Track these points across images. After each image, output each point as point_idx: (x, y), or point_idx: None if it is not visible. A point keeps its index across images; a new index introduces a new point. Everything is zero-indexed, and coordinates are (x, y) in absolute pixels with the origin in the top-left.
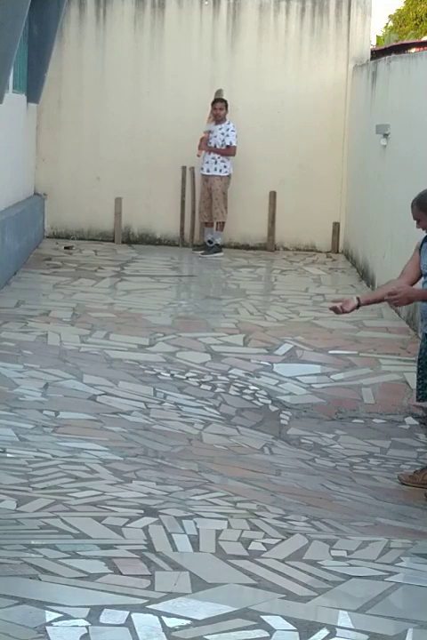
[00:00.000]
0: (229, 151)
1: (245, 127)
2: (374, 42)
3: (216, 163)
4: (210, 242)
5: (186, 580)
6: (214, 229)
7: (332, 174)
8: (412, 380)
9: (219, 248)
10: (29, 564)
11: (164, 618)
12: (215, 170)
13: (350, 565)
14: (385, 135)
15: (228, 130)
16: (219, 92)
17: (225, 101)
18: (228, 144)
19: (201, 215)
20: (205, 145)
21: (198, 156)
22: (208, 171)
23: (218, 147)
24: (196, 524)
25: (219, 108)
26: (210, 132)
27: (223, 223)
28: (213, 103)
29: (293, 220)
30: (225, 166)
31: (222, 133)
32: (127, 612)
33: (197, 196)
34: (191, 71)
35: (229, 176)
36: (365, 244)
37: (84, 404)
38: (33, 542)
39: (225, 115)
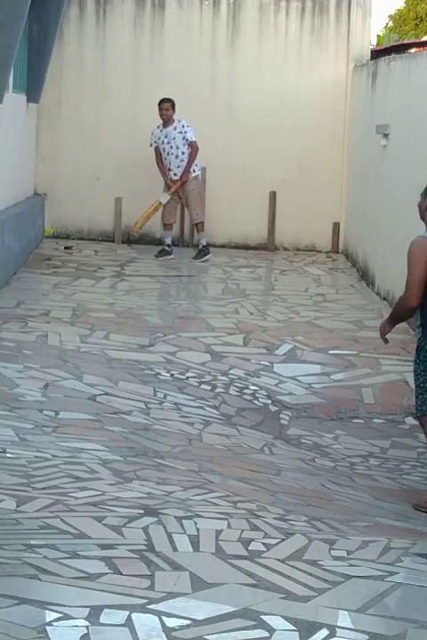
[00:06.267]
0: (193, 150)
1: (245, 127)
2: (374, 42)
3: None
4: (205, 246)
5: (186, 580)
6: (196, 232)
7: (332, 174)
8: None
9: (207, 250)
10: (29, 564)
11: (164, 618)
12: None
13: (350, 565)
14: (385, 135)
15: (182, 126)
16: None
17: (171, 101)
18: (189, 140)
19: (164, 217)
20: (174, 184)
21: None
22: (177, 175)
23: (179, 148)
24: (196, 523)
25: (165, 108)
26: (157, 140)
27: (203, 223)
28: (160, 103)
29: (293, 220)
30: (196, 165)
31: (179, 132)
32: (127, 612)
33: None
34: (191, 71)
35: (198, 176)
36: (365, 244)
37: (84, 403)
38: (33, 542)
39: (172, 115)
